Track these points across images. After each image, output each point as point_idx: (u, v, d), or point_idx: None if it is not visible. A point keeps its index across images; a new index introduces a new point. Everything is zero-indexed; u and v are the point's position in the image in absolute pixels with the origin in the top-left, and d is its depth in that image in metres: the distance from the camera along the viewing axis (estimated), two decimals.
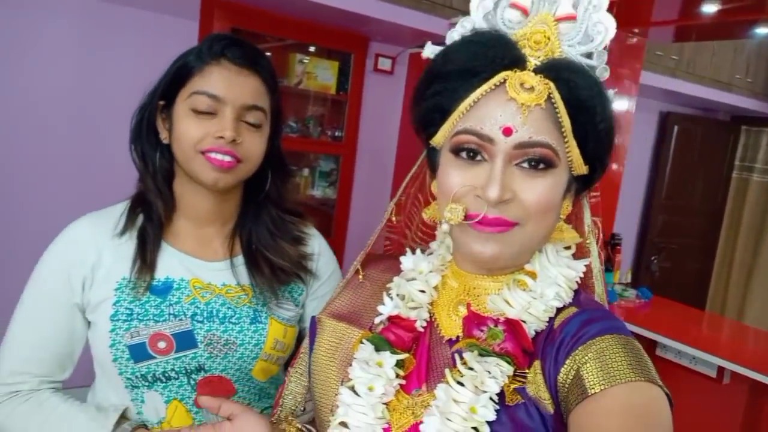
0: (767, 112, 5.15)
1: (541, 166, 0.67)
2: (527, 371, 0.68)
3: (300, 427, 0.87)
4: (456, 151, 0.69)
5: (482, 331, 0.71)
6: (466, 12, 0.74)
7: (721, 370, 2.48)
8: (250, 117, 0.99)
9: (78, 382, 1.10)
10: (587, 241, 0.78)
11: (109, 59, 2.81)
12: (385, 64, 3.58)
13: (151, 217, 1.03)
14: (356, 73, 3.39)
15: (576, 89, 0.66)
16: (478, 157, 0.68)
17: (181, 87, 0.98)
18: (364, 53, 3.42)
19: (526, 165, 0.67)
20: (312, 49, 3.35)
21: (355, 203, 3.56)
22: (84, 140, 2.81)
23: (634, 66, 3.22)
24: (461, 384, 0.67)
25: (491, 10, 0.72)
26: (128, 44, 2.83)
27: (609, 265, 3.19)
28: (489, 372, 0.66)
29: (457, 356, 0.71)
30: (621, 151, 3.26)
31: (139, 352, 0.97)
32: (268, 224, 1.09)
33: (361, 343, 0.77)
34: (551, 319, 0.71)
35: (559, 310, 0.71)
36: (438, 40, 0.77)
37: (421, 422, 0.68)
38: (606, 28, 0.69)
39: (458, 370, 0.69)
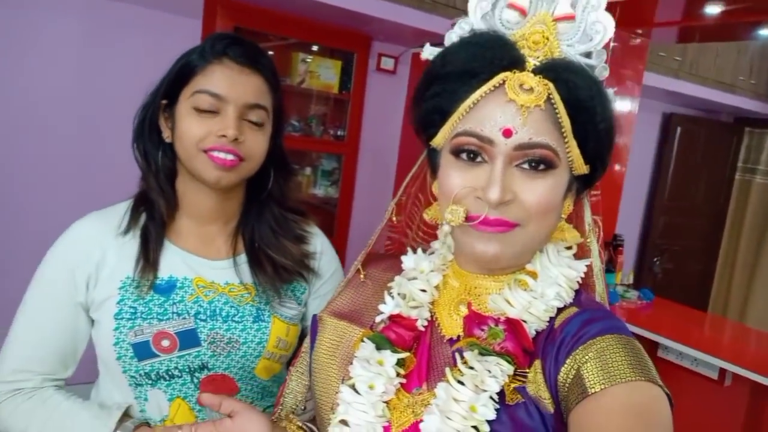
0: None
1: (542, 167, 0.67)
2: (527, 371, 0.69)
3: (300, 425, 0.87)
4: (456, 152, 0.70)
5: (483, 330, 0.71)
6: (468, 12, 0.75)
7: (722, 371, 2.47)
8: (253, 115, 0.99)
9: (81, 378, 1.11)
10: (588, 240, 0.78)
11: (112, 57, 2.81)
12: (387, 63, 3.58)
13: (153, 216, 1.03)
14: (359, 73, 3.40)
15: (575, 89, 0.66)
16: (479, 159, 0.68)
17: (183, 86, 0.99)
18: (367, 53, 3.43)
19: (526, 166, 0.67)
20: (315, 48, 3.36)
21: (357, 202, 3.57)
22: (86, 138, 2.81)
23: (637, 67, 3.22)
24: (461, 383, 0.67)
25: (489, 10, 0.72)
26: (131, 42, 2.84)
27: (611, 266, 3.18)
28: (489, 371, 0.66)
29: (457, 355, 0.71)
30: (623, 151, 3.26)
31: (142, 351, 0.98)
32: (270, 222, 1.10)
33: (362, 341, 0.77)
34: (552, 319, 0.71)
35: (559, 310, 0.71)
36: (439, 40, 0.77)
37: (421, 421, 0.68)
38: (605, 27, 0.69)
39: (459, 369, 0.69)
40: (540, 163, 0.67)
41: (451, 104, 0.69)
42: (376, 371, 0.73)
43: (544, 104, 0.66)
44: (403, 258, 0.83)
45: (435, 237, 0.85)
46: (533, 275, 0.73)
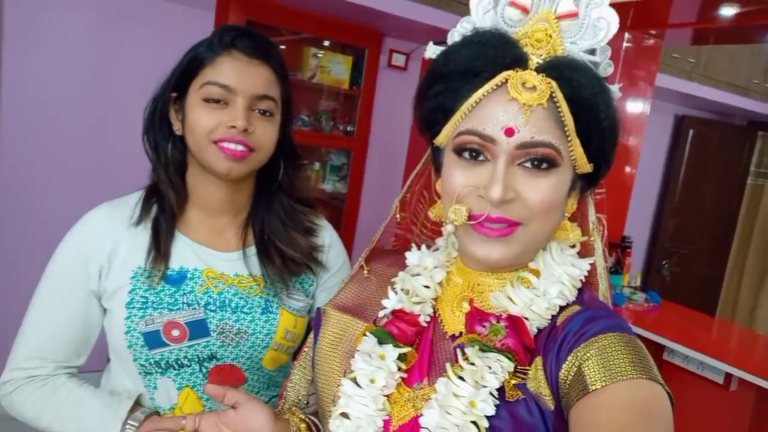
0: None
1: (544, 165, 0.67)
2: (528, 368, 0.69)
3: (303, 417, 0.88)
4: (459, 151, 0.70)
5: (484, 326, 0.71)
6: None
7: (728, 376, 2.46)
8: (262, 106, 1.00)
9: (91, 367, 1.12)
10: (591, 239, 0.78)
11: (124, 49, 2.82)
12: (398, 60, 3.57)
13: (164, 208, 1.05)
14: (370, 69, 3.40)
15: (578, 87, 0.66)
16: (481, 157, 0.68)
17: (193, 78, 1.00)
18: (378, 49, 3.43)
19: (528, 165, 0.67)
20: (326, 43, 3.36)
21: (365, 198, 3.57)
22: (97, 130, 2.82)
23: (649, 68, 3.19)
24: (462, 378, 0.67)
25: (491, 8, 0.72)
26: (143, 34, 2.85)
27: (618, 268, 3.16)
28: (489, 367, 0.67)
29: (458, 351, 0.71)
30: (634, 153, 3.24)
31: (153, 340, 0.99)
32: (280, 214, 1.10)
33: (365, 335, 0.78)
34: (554, 317, 0.71)
35: (562, 308, 0.72)
36: (444, 39, 0.77)
37: (421, 415, 0.69)
38: (608, 23, 0.68)
39: (459, 365, 0.69)
40: (542, 161, 0.67)
41: (453, 103, 0.69)
42: (377, 365, 0.73)
43: (546, 102, 0.66)
44: (408, 254, 0.83)
45: (439, 234, 0.86)
46: (536, 273, 0.73)
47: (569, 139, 0.67)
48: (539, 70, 0.66)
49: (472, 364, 0.68)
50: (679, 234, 5.25)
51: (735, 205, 5.43)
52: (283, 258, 1.08)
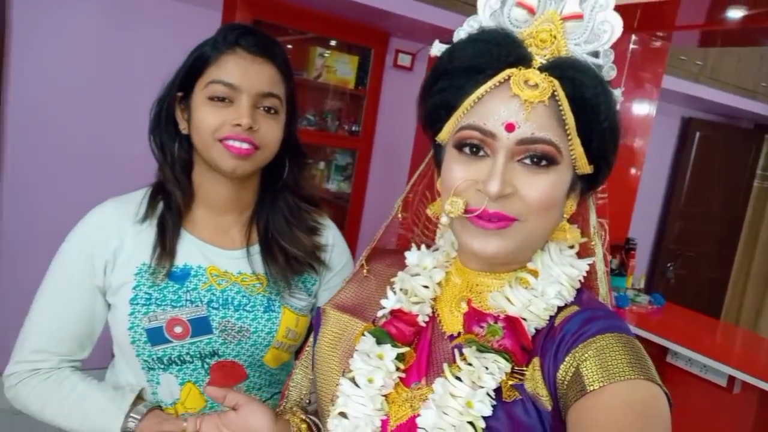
0: None
1: (544, 162, 0.67)
2: (525, 368, 0.69)
3: (304, 417, 0.88)
4: (459, 146, 0.70)
5: (482, 327, 0.71)
6: None
7: (731, 379, 2.45)
8: (266, 104, 1.01)
9: (96, 363, 1.13)
10: (592, 243, 0.78)
11: (131, 47, 2.84)
12: (404, 60, 3.58)
13: (170, 206, 1.05)
14: (375, 69, 3.40)
15: (581, 87, 0.66)
16: (481, 153, 0.69)
17: (198, 77, 1.00)
18: (384, 49, 3.43)
19: (528, 161, 0.67)
20: (332, 43, 3.36)
21: (369, 198, 3.57)
22: (103, 129, 2.83)
23: (656, 70, 3.19)
24: (459, 379, 0.67)
25: (498, 8, 0.72)
26: (150, 33, 2.86)
27: (623, 270, 3.16)
28: (487, 368, 0.67)
29: (456, 351, 0.71)
30: (639, 155, 3.23)
31: (156, 336, 1.00)
32: (284, 211, 1.11)
33: (363, 335, 0.78)
34: (552, 317, 0.71)
35: (560, 309, 0.72)
36: (450, 38, 0.77)
37: (419, 415, 0.69)
38: (612, 26, 0.68)
39: (457, 365, 0.69)
40: (542, 158, 0.67)
41: (456, 99, 0.69)
42: (375, 365, 0.74)
43: (548, 101, 0.66)
44: (407, 254, 0.83)
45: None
46: (534, 273, 0.73)
47: (570, 137, 0.67)
48: (542, 69, 0.67)
49: (470, 364, 0.68)
50: (685, 236, 5.23)
51: (741, 207, 5.42)
52: (286, 256, 1.08)
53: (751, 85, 4.57)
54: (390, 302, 0.79)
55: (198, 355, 1.02)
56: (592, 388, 0.62)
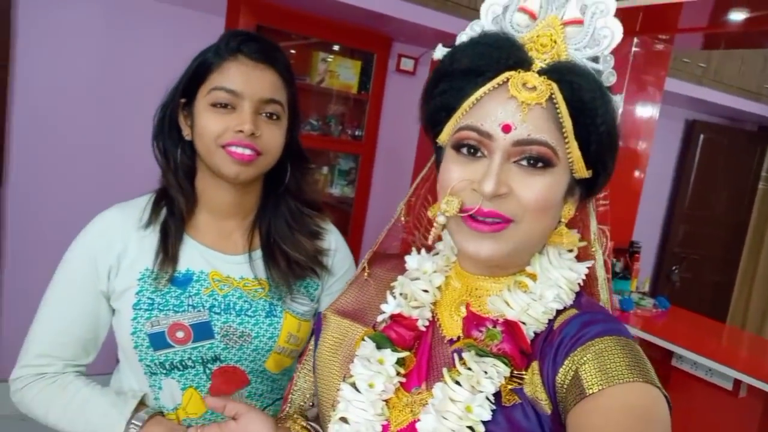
0: None
1: (540, 164, 0.68)
2: (524, 372, 0.69)
3: (305, 425, 0.88)
4: (457, 147, 0.70)
5: (481, 331, 0.71)
6: None
7: (737, 382, 2.44)
8: (268, 110, 1.01)
9: (101, 369, 1.14)
10: (592, 249, 0.78)
11: (135, 53, 2.85)
12: (407, 64, 3.58)
13: (173, 212, 1.06)
14: (378, 73, 3.41)
15: (579, 90, 0.66)
16: (479, 154, 0.69)
17: (200, 84, 1.01)
18: (387, 53, 3.43)
19: (524, 163, 0.68)
20: (335, 48, 3.37)
21: (372, 202, 3.58)
22: (108, 133, 2.84)
23: (658, 73, 3.18)
24: (458, 383, 0.67)
25: (500, 13, 0.73)
26: (154, 39, 2.87)
27: (627, 273, 3.15)
28: (486, 372, 0.67)
29: (456, 356, 0.71)
30: (643, 157, 3.23)
31: (158, 341, 1.01)
32: (286, 216, 1.12)
33: (363, 340, 0.78)
34: (551, 321, 0.71)
35: (559, 312, 0.72)
36: (453, 41, 0.78)
37: (419, 420, 0.69)
38: (612, 32, 0.69)
39: (457, 370, 0.69)
40: (538, 160, 0.67)
41: (456, 101, 0.70)
42: (376, 370, 0.74)
43: (545, 103, 0.66)
44: (407, 258, 0.84)
45: (440, 238, 0.86)
46: (533, 277, 0.73)
47: (567, 140, 0.68)
48: (541, 72, 0.68)
49: (469, 369, 0.68)
50: (689, 239, 5.21)
51: (746, 210, 5.39)
52: (288, 261, 1.09)
53: (754, 87, 4.56)
54: (390, 307, 0.79)
55: (200, 360, 1.03)
56: (591, 391, 0.62)
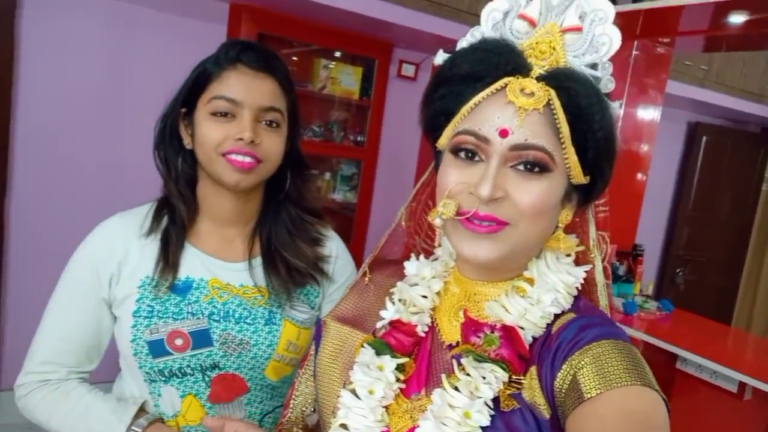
0: None
1: (536, 169, 0.68)
2: (523, 377, 0.69)
3: None
4: (455, 151, 0.71)
5: (479, 337, 0.72)
6: None
7: (742, 385, 2.43)
8: (268, 117, 1.02)
9: (103, 377, 1.15)
10: (591, 255, 0.78)
11: (138, 62, 2.86)
12: (408, 70, 3.60)
13: (174, 220, 1.07)
14: (380, 79, 3.42)
15: (576, 96, 0.67)
16: (476, 158, 0.70)
17: (201, 93, 1.02)
18: (388, 59, 3.45)
19: (521, 167, 0.68)
20: (337, 54, 3.39)
21: (375, 208, 3.58)
22: (110, 142, 2.86)
23: (660, 76, 3.18)
24: (457, 389, 0.68)
25: (500, 20, 0.74)
26: (157, 47, 2.89)
27: (630, 276, 3.14)
28: (484, 378, 0.67)
29: (455, 362, 0.71)
30: (645, 160, 3.22)
31: (157, 348, 1.01)
32: (287, 223, 1.12)
33: (363, 346, 0.78)
34: (549, 325, 0.71)
35: (557, 316, 0.72)
36: (454, 47, 0.78)
37: (418, 426, 0.69)
38: (611, 39, 0.70)
39: (455, 375, 0.69)
40: (535, 165, 0.68)
41: (456, 106, 0.71)
42: (376, 376, 0.74)
43: (543, 109, 0.67)
44: (406, 264, 0.84)
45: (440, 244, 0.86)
46: (531, 281, 0.73)
47: (564, 146, 0.68)
48: (540, 79, 0.68)
49: (468, 374, 0.68)
50: (693, 242, 5.20)
51: (749, 212, 5.37)
52: (288, 268, 1.09)
53: (757, 89, 4.55)
54: (389, 313, 0.79)
55: (199, 368, 1.03)
56: (589, 395, 0.61)
